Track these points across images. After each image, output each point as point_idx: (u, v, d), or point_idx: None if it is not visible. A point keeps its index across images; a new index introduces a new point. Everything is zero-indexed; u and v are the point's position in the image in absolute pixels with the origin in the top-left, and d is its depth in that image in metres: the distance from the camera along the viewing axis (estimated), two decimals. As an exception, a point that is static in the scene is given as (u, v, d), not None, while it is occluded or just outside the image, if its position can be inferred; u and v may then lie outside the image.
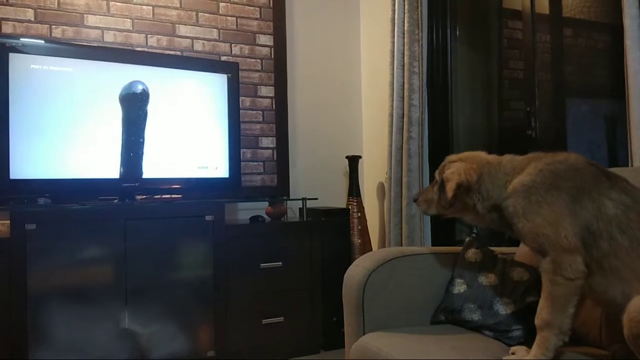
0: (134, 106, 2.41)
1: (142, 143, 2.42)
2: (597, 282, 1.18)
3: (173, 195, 2.60)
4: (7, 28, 2.53)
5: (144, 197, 2.52)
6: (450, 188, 1.37)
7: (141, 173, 2.41)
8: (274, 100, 3.13)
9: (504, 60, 2.74)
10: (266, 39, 3.12)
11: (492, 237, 2.48)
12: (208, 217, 2.42)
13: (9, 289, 2.03)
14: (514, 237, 1.34)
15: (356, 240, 3.00)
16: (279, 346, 2.61)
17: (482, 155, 1.42)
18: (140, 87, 2.41)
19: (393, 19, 2.83)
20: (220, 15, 3.01)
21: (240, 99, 2.81)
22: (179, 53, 2.88)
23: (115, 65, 2.39)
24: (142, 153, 2.42)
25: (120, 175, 2.37)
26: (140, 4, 2.81)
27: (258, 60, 3.09)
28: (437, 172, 1.48)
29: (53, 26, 2.63)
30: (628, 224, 1.15)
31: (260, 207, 2.89)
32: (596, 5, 2.22)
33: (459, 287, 1.59)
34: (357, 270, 1.59)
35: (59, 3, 2.63)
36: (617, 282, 1.15)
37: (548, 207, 1.21)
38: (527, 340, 1.34)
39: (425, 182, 2.72)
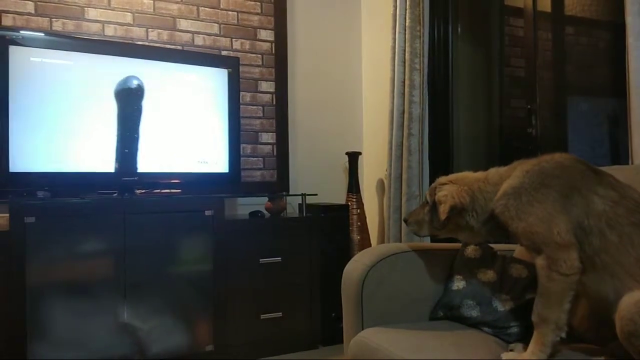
0: (129, 101, 2.40)
1: (138, 138, 2.41)
2: (589, 279, 1.19)
3: (172, 190, 2.59)
4: (7, 20, 2.53)
5: (144, 191, 2.52)
6: (443, 211, 1.40)
7: (136, 168, 2.41)
8: (274, 95, 3.12)
9: (505, 58, 2.73)
10: (267, 34, 3.11)
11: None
12: (207, 212, 2.42)
13: (7, 283, 2.03)
14: (512, 242, 1.35)
15: (355, 237, 3.00)
16: (277, 341, 2.61)
17: (470, 175, 1.45)
18: (135, 82, 2.41)
19: (394, 14, 2.82)
20: (221, 9, 3.00)
21: (240, 94, 2.81)
22: (179, 47, 2.87)
23: (116, 59, 2.38)
24: (138, 148, 2.41)
25: (119, 169, 2.37)
26: (141, -2, 2.80)
27: (259, 55, 3.09)
28: (427, 193, 1.50)
29: (53, 19, 2.62)
30: (617, 220, 1.16)
31: (260, 203, 2.89)
32: (598, 3, 2.21)
33: (458, 283, 1.59)
34: (356, 265, 1.59)
35: (59, -4, 2.62)
36: (609, 279, 1.16)
37: (539, 205, 1.22)
38: (526, 337, 1.34)
39: (425, 179, 2.72)
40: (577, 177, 1.22)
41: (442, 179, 1.49)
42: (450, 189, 1.41)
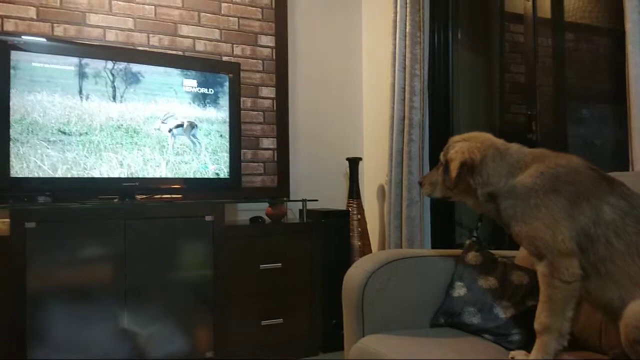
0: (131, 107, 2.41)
1: (138, 142, 2.41)
2: (594, 286, 1.18)
3: (173, 195, 2.59)
4: (9, 26, 2.53)
5: (144, 196, 2.52)
6: (454, 167, 1.36)
7: (137, 173, 2.40)
8: (275, 101, 3.13)
9: (505, 64, 2.74)
10: (268, 40, 3.12)
11: (493, 240, 2.48)
12: (208, 218, 2.42)
13: (8, 288, 2.03)
14: (509, 234, 1.34)
15: (356, 243, 2.99)
16: (278, 348, 2.60)
17: (487, 135, 1.40)
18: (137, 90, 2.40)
19: (395, 20, 2.83)
20: (222, 15, 3.01)
21: (241, 100, 2.81)
22: (180, 53, 2.88)
23: (117, 64, 2.38)
24: (138, 152, 2.41)
25: (119, 174, 2.37)
26: (143, 3, 2.81)
27: (259, 61, 3.09)
28: (441, 154, 1.46)
29: (55, 24, 2.63)
30: (625, 229, 1.16)
31: (261, 208, 2.89)
32: (598, 9, 2.22)
33: (459, 290, 1.59)
34: (356, 272, 1.59)
35: (61, 1, 2.63)
36: (614, 287, 1.15)
37: (546, 210, 1.21)
38: (528, 344, 1.33)
39: (426, 185, 2.71)
40: (588, 185, 1.21)
41: (456, 137, 1.44)
42: (462, 146, 1.37)
